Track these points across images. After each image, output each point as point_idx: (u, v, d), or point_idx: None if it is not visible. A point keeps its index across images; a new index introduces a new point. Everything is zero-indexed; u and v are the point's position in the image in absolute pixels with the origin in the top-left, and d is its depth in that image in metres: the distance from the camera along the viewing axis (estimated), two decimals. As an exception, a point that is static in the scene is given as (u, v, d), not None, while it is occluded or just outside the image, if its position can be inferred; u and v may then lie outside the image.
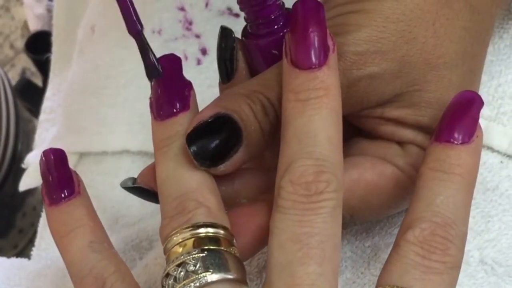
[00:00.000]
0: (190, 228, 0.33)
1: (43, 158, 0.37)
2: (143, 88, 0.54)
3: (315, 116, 0.33)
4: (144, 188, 0.36)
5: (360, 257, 0.41)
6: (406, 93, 0.36)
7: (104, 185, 0.55)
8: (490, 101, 0.44)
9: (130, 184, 0.37)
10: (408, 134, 0.37)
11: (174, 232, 0.33)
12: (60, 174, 0.36)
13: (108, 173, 0.56)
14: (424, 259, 0.32)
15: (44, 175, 0.36)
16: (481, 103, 0.35)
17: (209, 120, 0.34)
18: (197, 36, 0.55)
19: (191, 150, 0.34)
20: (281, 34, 0.36)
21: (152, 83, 0.36)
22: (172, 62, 0.36)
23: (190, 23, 0.55)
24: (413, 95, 0.36)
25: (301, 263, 0.31)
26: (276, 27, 0.36)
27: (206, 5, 0.55)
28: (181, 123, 0.35)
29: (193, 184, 0.34)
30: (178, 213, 0.33)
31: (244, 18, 0.37)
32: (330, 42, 0.33)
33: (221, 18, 0.54)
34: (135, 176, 0.37)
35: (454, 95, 0.35)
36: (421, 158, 0.37)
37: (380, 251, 0.41)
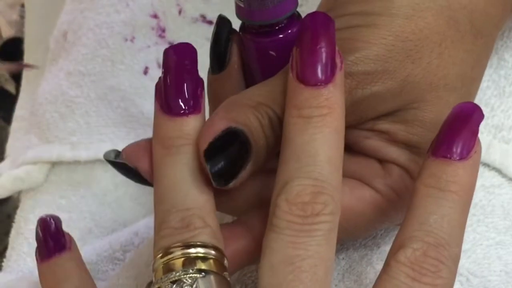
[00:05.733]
0: (192, 247, 0.32)
1: (39, 227, 0.37)
2: (115, 97, 0.54)
3: (316, 135, 0.32)
4: (127, 166, 0.35)
5: (334, 269, 0.41)
6: (402, 109, 0.36)
7: (77, 195, 0.55)
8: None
9: (113, 157, 0.36)
10: (393, 152, 0.37)
11: (175, 245, 0.32)
12: (54, 239, 0.37)
13: (81, 182, 0.55)
14: (414, 281, 0.31)
15: (38, 241, 0.37)
16: (481, 116, 0.34)
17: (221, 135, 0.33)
18: (170, 44, 0.54)
19: (211, 171, 0.33)
20: (281, 36, 0.35)
21: (163, 69, 0.35)
22: (188, 53, 0.35)
23: (163, 30, 0.54)
24: (409, 112, 0.36)
25: (291, 287, 0.30)
26: (277, 27, 0.35)
27: (180, 12, 0.54)
28: (192, 127, 0.34)
29: (200, 201, 0.33)
30: (182, 227, 0.33)
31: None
32: (338, 60, 0.33)
33: (195, 25, 0.54)
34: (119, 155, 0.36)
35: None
36: (401, 180, 0.36)
37: (355, 263, 0.41)
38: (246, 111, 0.33)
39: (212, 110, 0.36)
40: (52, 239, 0.37)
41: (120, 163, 0.36)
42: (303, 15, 0.35)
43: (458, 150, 0.33)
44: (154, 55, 0.54)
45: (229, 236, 0.35)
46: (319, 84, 0.32)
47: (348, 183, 0.37)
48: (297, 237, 0.31)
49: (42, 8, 0.66)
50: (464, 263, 0.40)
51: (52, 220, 0.37)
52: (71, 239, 0.37)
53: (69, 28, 0.57)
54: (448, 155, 0.33)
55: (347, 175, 0.37)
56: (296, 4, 0.35)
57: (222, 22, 0.37)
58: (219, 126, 0.33)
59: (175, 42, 0.54)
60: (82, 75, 0.55)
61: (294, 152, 0.32)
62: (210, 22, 0.54)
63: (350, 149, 0.37)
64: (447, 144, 0.33)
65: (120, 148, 0.36)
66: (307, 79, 0.32)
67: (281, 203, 0.31)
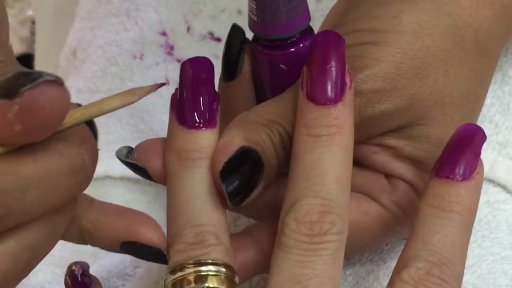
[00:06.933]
0: (204, 265, 0.32)
1: (68, 276, 0.38)
2: (124, 114, 0.54)
3: (325, 154, 0.32)
4: (138, 165, 0.36)
5: (342, 285, 0.41)
6: (409, 126, 0.36)
7: (87, 212, 0.55)
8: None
9: (124, 154, 0.36)
10: (399, 167, 0.37)
11: (188, 263, 0.33)
12: (81, 283, 0.38)
13: (91, 199, 0.55)
14: None
15: (67, 285, 0.38)
16: (483, 137, 0.34)
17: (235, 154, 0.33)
18: (179, 61, 0.54)
19: (227, 190, 0.33)
20: (292, 49, 0.35)
21: (180, 82, 0.35)
22: (204, 66, 0.35)
23: (172, 47, 0.55)
24: (415, 128, 0.36)
25: None
26: (288, 41, 0.35)
27: (188, 29, 0.54)
28: (208, 140, 0.34)
29: (214, 218, 0.34)
30: (196, 243, 0.33)
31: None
32: (347, 78, 0.33)
33: (203, 42, 0.54)
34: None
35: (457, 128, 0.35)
36: (407, 196, 0.37)
37: (361, 278, 0.41)
38: (258, 129, 0.34)
39: (221, 117, 0.37)
40: (78, 283, 0.38)
41: (131, 162, 0.36)
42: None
43: (461, 171, 0.33)
44: (163, 72, 0.54)
45: (236, 247, 0.36)
46: (328, 103, 0.33)
47: (356, 198, 0.37)
48: (305, 256, 0.31)
49: (52, 25, 0.66)
50: (469, 278, 0.40)
51: (80, 267, 0.38)
52: (96, 280, 0.38)
53: (79, 46, 0.58)
54: (451, 176, 0.33)
55: (354, 189, 0.37)
56: (309, 19, 0.35)
57: (235, 31, 0.37)
58: (233, 145, 0.33)
59: (184, 59, 0.54)
60: (92, 92, 0.55)
61: (303, 170, 0.32)
62: (218, 39, 0.54)
63: (358, 163, 0.38)
64: (450, 165, 0.33)
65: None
66: (316, 98, 0.33)
67: (290, 222, 0.32)
